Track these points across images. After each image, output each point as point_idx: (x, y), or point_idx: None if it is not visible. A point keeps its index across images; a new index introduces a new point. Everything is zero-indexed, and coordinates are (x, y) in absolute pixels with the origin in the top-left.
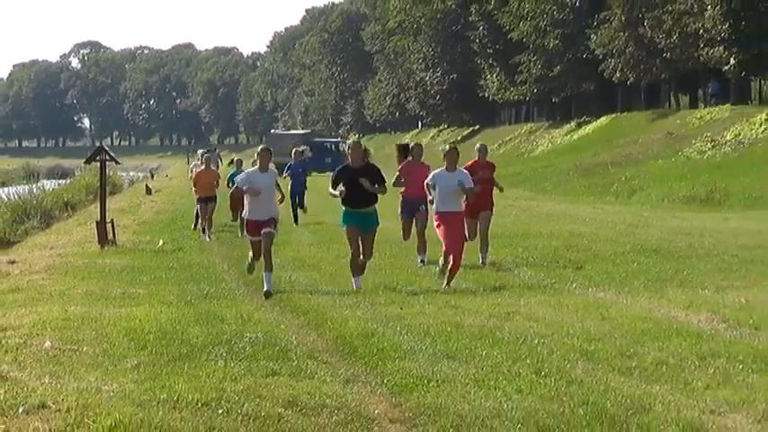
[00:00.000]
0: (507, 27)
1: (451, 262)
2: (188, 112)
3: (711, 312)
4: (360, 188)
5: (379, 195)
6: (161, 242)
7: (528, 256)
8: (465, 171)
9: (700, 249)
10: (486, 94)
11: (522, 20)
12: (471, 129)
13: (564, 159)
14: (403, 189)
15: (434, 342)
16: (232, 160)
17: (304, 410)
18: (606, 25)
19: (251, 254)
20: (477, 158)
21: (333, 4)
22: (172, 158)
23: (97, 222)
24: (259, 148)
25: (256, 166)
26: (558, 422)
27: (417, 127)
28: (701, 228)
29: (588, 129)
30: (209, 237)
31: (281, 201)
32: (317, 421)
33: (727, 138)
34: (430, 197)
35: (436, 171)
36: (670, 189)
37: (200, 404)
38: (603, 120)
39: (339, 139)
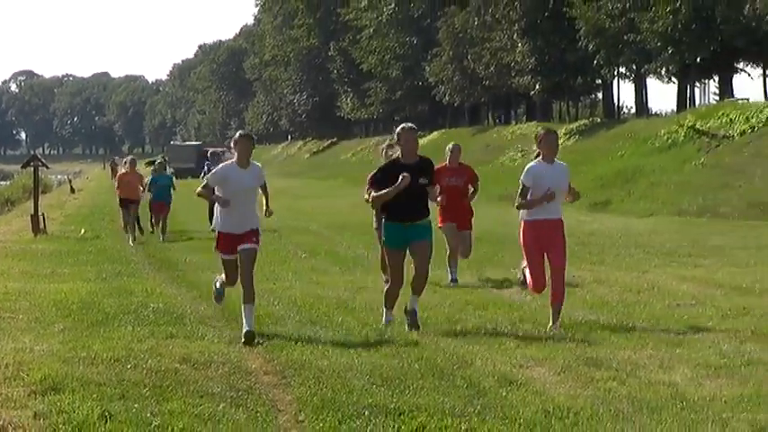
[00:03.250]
0: (359, 60)
1: (551, 293)
2: (104, 128)
3: (520, 286)
4: (415, 193)
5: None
6: (83, 231)
7: (376, 242)
8: (565, 165)
9: (512, 237)
10: (343, 114)
11: (370, 54)
12: (330, 141)
13: None
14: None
15: (300, 311)
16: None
17: (196, 365)
18: (437, 58)
19: (221, 277)
20: (446, 162)
21: (220, 41)
22: (92, 165)
23: (31, 215)
24: (237, 134)
25: (233, 160)
26: (398, 374)
27: (287, 140)
28: (513, 220)
29: (424, 141)
30: (132, 240)
31: (267, 212)
32: (206, 374)
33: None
34: (519, 201)
35: (532, 164)
36: (489, 190)
37: (112, 360)
38: (435, 134)
39: (225, 148)
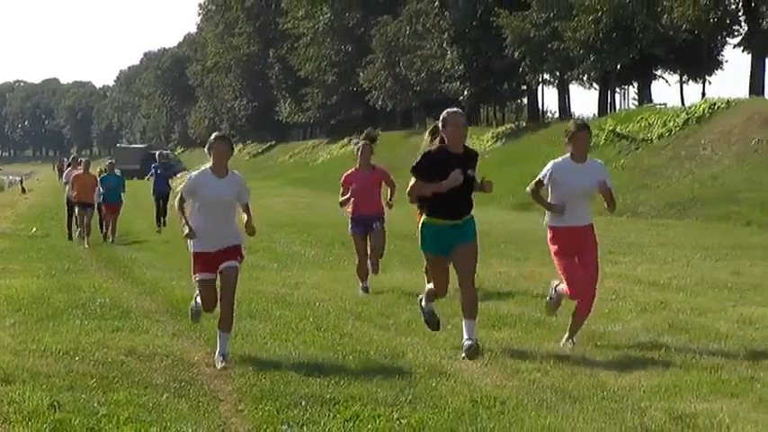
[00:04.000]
0: (296, 67)
1: (576, 302)
2: (54, 131)
3: (449, 283)
4: (465, 185)
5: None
6: (33, 229)
7: (312, 239)
8: (600, 163)
9: None
10: (281, 118)
11: (307, 61)
12: (269, 144)
13: (339, 167)
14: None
15: (240, 305)
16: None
17: (141, 357)
18: (371, 65)
19: (197, 298)
20: None
21: (164, 48)
22: (42, 166)
23: None
24: (212, 136)
25: (208, 165)
26: (334, 366)
27: None
28: None
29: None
30: (87, 243)
31: (249, 230)
32: (150, 366)
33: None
34: (531, 188)
35: (557, 161)
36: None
37: (61, 353)
38: None
39: (168, 151)
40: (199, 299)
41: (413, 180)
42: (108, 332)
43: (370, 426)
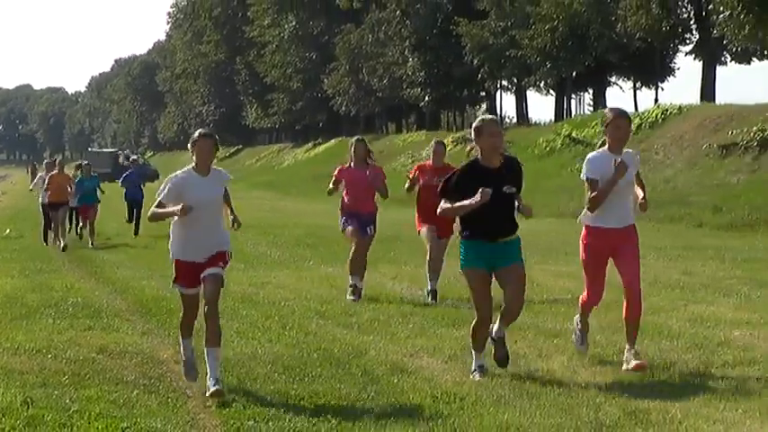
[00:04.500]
0: (263, 73)
1: (625, 308)
2: (27, 135)
3: (411, 282)
4: (503, 204)
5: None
6: (7, 231)
7: (277, 240)
8: (633, 153)
9: (404, 236)
10: (248, 123)
11: (273, 68)
12: (236, 147)
13: (304, 170)
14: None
15: None
16: (78, 165)
17: (112, 355)
18: (335, 72)
19: (181, 316)
20: (429, 160)
21: (135, 55)
22: (16, 169)
23: None
24: (196, 133)
25: (191, 166)
26: (299, 363)
27: None
28: (403, 220)
29: (321, 148)
30: (62, 242)
31: (235, 224)
32: (121, 363)
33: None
34: (589, 197)
35: (591, 156)
36: None
37: (34, 351)
38: (333, 142)
39: (137, 155)
40: (186, 355)
41: (443, 203)
42: (80, 331)
43: (333, 421)
